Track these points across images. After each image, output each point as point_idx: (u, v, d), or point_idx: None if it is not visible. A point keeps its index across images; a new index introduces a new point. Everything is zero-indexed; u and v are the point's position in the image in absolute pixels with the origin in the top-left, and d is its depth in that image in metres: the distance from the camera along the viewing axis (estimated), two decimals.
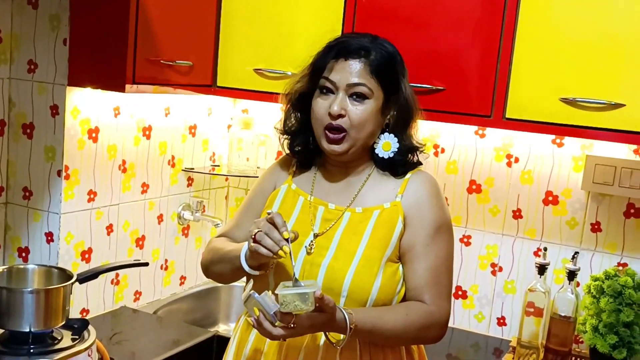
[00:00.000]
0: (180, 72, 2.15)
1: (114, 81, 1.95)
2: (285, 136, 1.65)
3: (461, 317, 2.43)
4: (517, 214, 2.32)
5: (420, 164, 1.62)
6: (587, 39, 1.83)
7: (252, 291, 1.34)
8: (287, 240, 1.38)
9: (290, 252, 1.38)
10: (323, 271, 1.50)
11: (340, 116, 1.50)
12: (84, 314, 2.20)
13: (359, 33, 1.62)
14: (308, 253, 1.53)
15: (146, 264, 2.00)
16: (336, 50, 1.53)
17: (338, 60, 1.52)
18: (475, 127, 2.33)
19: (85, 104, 2.09)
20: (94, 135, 2.13)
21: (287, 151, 1.68)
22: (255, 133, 2.62)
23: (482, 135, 2.34)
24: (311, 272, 1.50)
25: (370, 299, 1.48)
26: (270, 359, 1.53)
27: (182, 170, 2.52)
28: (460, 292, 2.42)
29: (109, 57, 1.95)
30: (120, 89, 1.95)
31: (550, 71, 1.87)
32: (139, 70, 1.97)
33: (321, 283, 1.48)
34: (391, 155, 1.55)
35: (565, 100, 1.85)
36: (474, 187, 2.37)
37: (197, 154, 2.59)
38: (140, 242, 2.38)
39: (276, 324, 1.33)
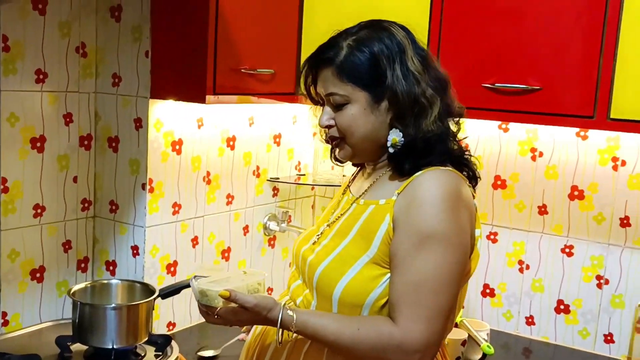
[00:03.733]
0: (262, 81, 2.10)
1: (195, 92, 1.92)
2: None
3: (564, 333, 2.26)
4: (624, 222, 2.13)
5: (456, 161, 1.42)
6: None
7: (194, 276, 1.42)
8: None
9: None
10: (311, 258, 1.45)
11: (330, 126, 1.45)
12: (171, 327, 2.18)
13: (340, 32, 1.47)
14: (314, 242, 1.49)
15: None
16: (310, 63, 1.46)
17: (316, 72, 1.45)
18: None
19: (168, 116, 2.07)
20: (177, 147, 2.11)
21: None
22: None
23: (585, 137, 2.16)
24: (306, 257, 1.47)
25: (334, 297, 1.37)
26: (246, 350, 1.55)
27: (268, 180, 2.47)
28: (562, 307, 2.25)
29: (189, 68, 1.92)
30: (201, 100, 1.91)
31: None
32: (220, 80, 1.93)
33: (307, 270, 1.44)
34: (397, 149, 1.39)
35: None
36: (575, 193, 2.20)
37: (282, 164, 2.54)
38: (226, 253, 2.35)
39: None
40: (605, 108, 1.77)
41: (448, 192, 1.34)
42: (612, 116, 1.77)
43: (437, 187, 1.34)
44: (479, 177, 1.47)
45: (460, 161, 1.43)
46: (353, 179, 1.61)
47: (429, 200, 1.33)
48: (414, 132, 1.38)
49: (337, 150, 1.49)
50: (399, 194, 1.38)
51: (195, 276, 1.41)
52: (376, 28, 1.45)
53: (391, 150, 1.40)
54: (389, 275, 1.36)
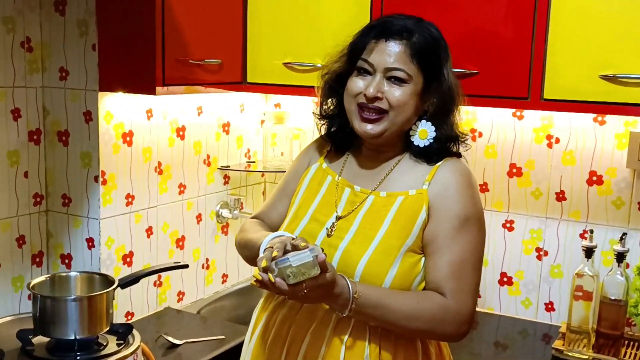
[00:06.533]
0: (210, 71, 2.13)
1: (144, 84, 1.95)
2: (322, 120, 1.63)
3: (508, 304, 2.38)
4: (560, 196, 2.26)
5: (459, 155, 1.55)
6: (624, 11, 1.76)
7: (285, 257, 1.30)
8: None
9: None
10: (339, 254, 1.46)
11: (377, 99, 1.46)
12: (129, 317, 2.21)
13: (404, 14, 1.51)
14: (328, 235, 1.50)
15: (186, 266, 2.00)
16: (377, 31, 1.48)
17: (378, 41, 1.46)
18: (512, 109, 2.27)
19: (117, 108, 2.09)
20: (128, 139, 2.13)
21: (324, 134, 1.65)
22: (289, 127, 2.60)
23: (520, 117, 2.28)
24: (328, 254, 1.44)
25: (384, 286, 1.43)
26: (276, 341, 1.50)
27: (218, 168, 2.51)
28: (505, 279, 2.37)
29: (137, 60, 1.95)
30: (151, 91, 1.94)
31: (588, 47, 1.81)
32: (169, 71, 1.96)
33: (336, 266, 1.43)
34: (427, 143, 1.50)
35: (606, 77, 1.79)
36: (514, 170, 2.31)
37: (232, 152, 2.58)
38: (180, 242, 2.39)
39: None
40: (539, 89, 1.87)
41: (472, 179, 1.50)
42: (545, 97, 1.87)
43: (464, 176, 1.49)
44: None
45: (459, 155, 1.56)
46: (324, 158, 1.63)
47: (461, 187, 1.47)
48: (448, 130, 1.50)
49: (373, 122, 1.47)
50: (429, 183, 1.47)
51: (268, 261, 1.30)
52: (435, 26, 1.51)
53: (418, 141, 1.50)
54: (424, 259, 1.46)
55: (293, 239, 1.36)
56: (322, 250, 1.31)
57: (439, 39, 1.50)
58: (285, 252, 1.32)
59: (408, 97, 1.46)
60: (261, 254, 1.37)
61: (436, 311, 1.42)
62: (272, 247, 1.34)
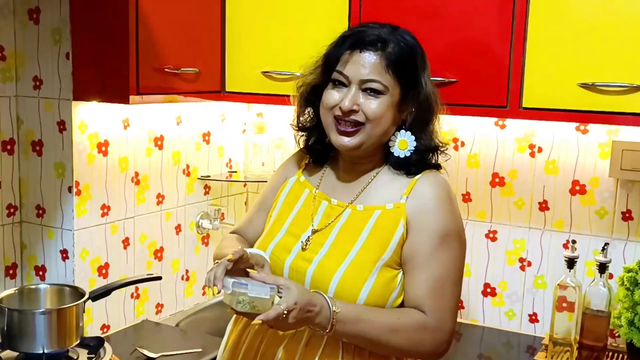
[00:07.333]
0: (187, 80, 2.11)
1: (118, 93, 1.91)
2: (300, 133, 1.60)
3: (491, 316, 2.34)
4: (543, 206, 2.23)
5: (439, 166, 1.51)
6: (602, 20, 1.74)
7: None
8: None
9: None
10: (312, 268, 1.43)
11: (353, 111, 1.42)
12: (105, 330, 2.17)
13: (378, 23, 1.47)
14: (303, 249, 1.46)
15: (159, 278, 1.96)
16: (351, 41, 1.44)
17: (352, 52, 1.43)
18: (494, 118, 2.24)
19: (92, 118, 2.06)
20: (103, 149, 2.10)
21: (302, 147, 1.62)
22: (270, 137, 2.57)
23: (503, 126, 2.25)
24: (301, 268, 1.44)
25: (358, 302, 1.39)
26: (246, 357, 1.47)
27: (198, 178, 2.48)
28: (489, 290, 2.34)
29: (111, 68, 1.92)
30: (125, 100, 1.91)
31: (566, 56, 1.78)
32: (143, 80, 1.93)
33: (309, 280, 1.42)
34: (407, 154, 1.46)
35: (585, 86, 1.76)
36: (497, 180, 2.28)
37: (213, 161, 2.55)
38: (158, 253, 2.35)
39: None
40: (518, 98, 1.85)
41: (450, 193, 1.46)
42: (524, 105, 1.85)
43: (443, 190, 1.45)
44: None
45: (439, 166, 1.52)
46: (303, 171, 1.60)
47: (440, 202, 1.43)
48: (427, 140, 1.47)
49: (350, 135, 1.43)
50: (407, 197, 1.44)
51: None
52: (410, 34, 1.48)
53: (398, 152, 1.46)
54: (401, 275, 1.42)
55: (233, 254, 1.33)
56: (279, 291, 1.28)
57: (415, 46, 1.47)
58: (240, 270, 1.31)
59: (385, 108, 1.43)
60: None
61: (416, 328, 1.38)
62: (234, 259, 1.32)
